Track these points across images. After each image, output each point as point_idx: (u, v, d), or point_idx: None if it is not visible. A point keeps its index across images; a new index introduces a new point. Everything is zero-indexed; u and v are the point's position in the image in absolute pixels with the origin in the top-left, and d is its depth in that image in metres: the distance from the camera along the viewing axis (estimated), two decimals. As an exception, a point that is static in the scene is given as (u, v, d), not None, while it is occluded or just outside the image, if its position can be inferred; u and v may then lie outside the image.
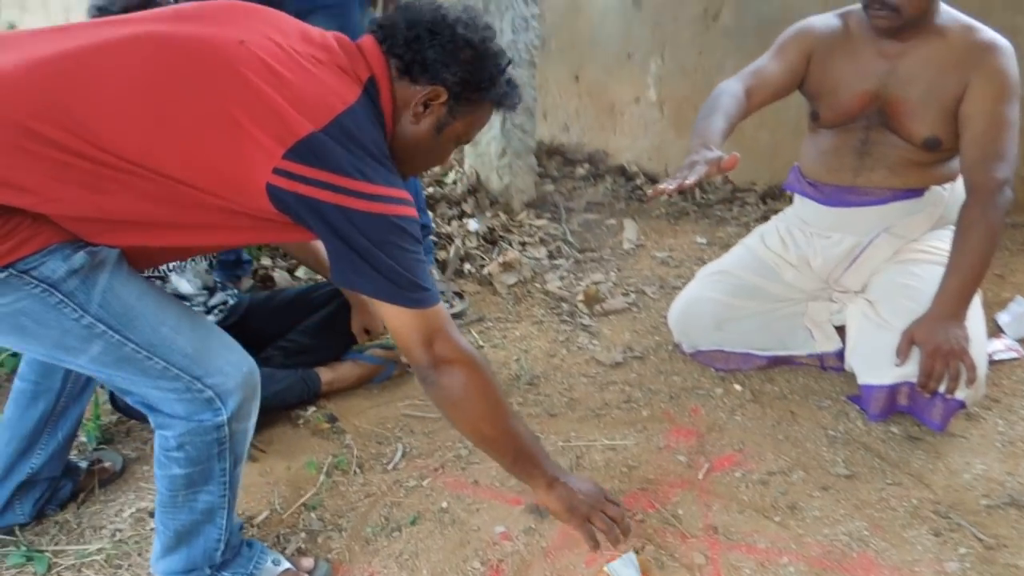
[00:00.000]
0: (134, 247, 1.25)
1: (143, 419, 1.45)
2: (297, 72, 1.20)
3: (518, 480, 1.53)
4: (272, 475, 1.88)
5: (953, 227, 1.92)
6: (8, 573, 1.60)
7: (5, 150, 1.10)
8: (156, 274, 1.96)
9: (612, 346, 2.45)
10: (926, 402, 1.88)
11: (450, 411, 1.37)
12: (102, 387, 2.04)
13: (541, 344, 2.48)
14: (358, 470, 1.89)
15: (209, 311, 2.09)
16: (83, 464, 1.83)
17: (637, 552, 1.58)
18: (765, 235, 2.32)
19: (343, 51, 1.29)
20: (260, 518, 1.74)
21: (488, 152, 3.46)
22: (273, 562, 1.52)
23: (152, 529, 1.58)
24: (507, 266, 2.90)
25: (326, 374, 2.15)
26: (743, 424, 2.03)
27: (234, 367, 1.31)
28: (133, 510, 1.77)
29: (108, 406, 2.08)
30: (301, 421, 2.08)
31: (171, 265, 2.02)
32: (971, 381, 1.81)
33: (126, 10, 1.43)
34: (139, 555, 1.63)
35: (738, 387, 2.19)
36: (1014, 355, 2.25)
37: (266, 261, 2.91)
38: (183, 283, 2.03)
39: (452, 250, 2.99)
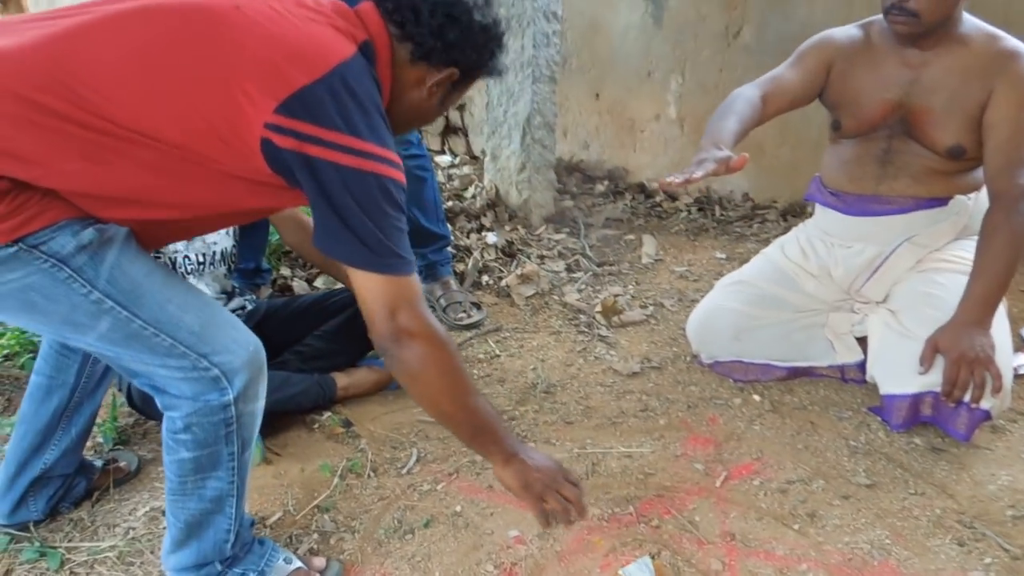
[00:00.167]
0: (137, 221, 1.26)
1: (160, 418, 1.45)
2: (292, 30, 1.21)
3: (477, 454, 1.50)
4: (286, 477, 1.87)
5: (976, 237, 1.89)
6: (22, 568, 1.60)
7: (9, 121, 1.12)
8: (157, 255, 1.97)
9: (629, 356, 2.43)
10: (951, 412, 1.85)
11: (409, 384, 1.33)
12: (119, 390, 2.06)
13: (558, 354, 2.46)
14: (372, 474, 1.88)
15: (227, 315, 2.10)
16: (98, 463, 1.83)
17: (653, 557, 1.55)
18: (785, 245, 2.30)
19: (339, 15, 1.30)
20: (273, 519, 1.73)
21: (508, 167, 3.47)
22: (285, 560, 1.51)
23: (165, 528, 1.57)
24: (525, 278, 2.89)
25: (342, 379, 2.15)
26: (762, 434, 2.00)
27: (240, 345, 1.31)
28: (147, 509, 1.76)
29: (125, 408, 2.09)
30: (316, 425, 2.07)
31: (189, 268, 2.04)
32: (997, 390, 1.78)
33: None
34: (151, 552, 1.63)
35: (757, 397, 2.16)
36: (1040, 369, 2.21)
37: (285, 271, 2.93)
38: (201, 286, 2.05)
39: (470, 262, 2.99)
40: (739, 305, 2.23)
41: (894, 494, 1.74)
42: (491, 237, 3.21)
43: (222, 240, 2.10)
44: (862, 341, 2.16)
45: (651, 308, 2.76)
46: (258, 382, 1.34)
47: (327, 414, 2.11)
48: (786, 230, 3.32)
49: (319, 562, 1.56)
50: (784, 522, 1.67)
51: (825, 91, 2.09)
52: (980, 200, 2.03)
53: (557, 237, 3.37)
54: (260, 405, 1.37)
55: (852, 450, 1.91)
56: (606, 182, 4.12)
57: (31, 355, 2.24)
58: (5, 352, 2.34)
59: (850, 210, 2.12)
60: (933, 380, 1.85)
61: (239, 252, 2.27)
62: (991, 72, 1.86)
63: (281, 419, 2.04)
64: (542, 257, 3.17)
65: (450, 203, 3.52)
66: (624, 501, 1.75)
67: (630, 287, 2.96)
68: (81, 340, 1.26)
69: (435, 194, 2.69)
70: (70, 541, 1.66)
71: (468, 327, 2.61)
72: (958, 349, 1.79)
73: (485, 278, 2.98)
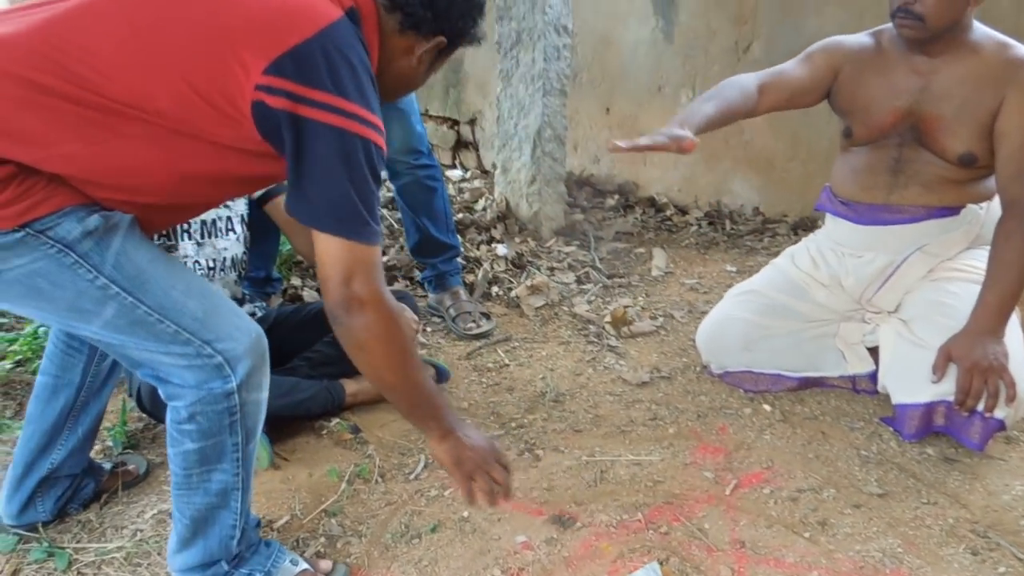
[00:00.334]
0: (134, 205, 1.27)
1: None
2: None
3: (415, 428, 1.52)
4: (294, 482, 1.87)
5: (989, 247, 1.88)
6: (30, 568, 1.60)
7: (9, 103, 1.14)
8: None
9: (639, 366, 2.42)
10: (964, 421, 1.83)
11: (354, 353, 1.32)
12: (129, 395, 2.06)
13: (567, 363, 2.46)
14: (380, 479, 1.88)
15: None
16: (107, 465, 1.83)
17: (661, 563, 1.54)
18: (795, 255, 2.29)
19: None
20: (280, 522, 1.73)
21: (518, 179, 3.48)
22: (291, 562, 1.51)
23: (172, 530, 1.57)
24: (535, 289, 2.89)
25: (351, 386, 2.15)
26: (772, 443, 1.98)
27: (243, 332, 1.32)
28: (155, 511, 1.76)
29: (135, 413, 2.09)
30: (324, 431, 2.07)
31: (199, 273, 2.05)
32: (1011, 399, 1.76)
33: None
34: (158, 554, 1.62)
35: (767, 407, 2.15)
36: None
37: (296, 281, 2.94)
38: (212, 291, 2.05)
39: (480, 273, 3.00)
40: (749, 315, 2.22)
41: (906, 503, 1.72)
42: (501, 249, 3.22)
43: (232, 246, 2.11)
44: (874, 351, 2.15)
45: (661, 319, 2.76)
46: (261, 370, 1.35)
47: (336, 420, 2.11)
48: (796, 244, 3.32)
49: (325, 565, 1.55)
50: (795, 530, 1.65)
51: (834, 97, 2.09)
52: (992, 209, 2.02)
53: (567, 250, 3.37)
54: (263, 396, 1.37)
55: (864, 460, 1.90)
56: (616, 196, 4.13)
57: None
58: (17, 358, 2.35)
59: (861, 219, 2.11)
60: (946, 389, 1.83)
61: (250, 260, 2.28)
62: (1003, 80, 1.85)
63: (290, 425, 2.05)
64: (552, 269, 3.17)
65: (460, 215, 3.53)
66: (632, 508, 1.73)
67: (640, 299, 2.95)
68: (86, 328, 1.26)
69: (445, 204, 2.70)
70: (78, 542, 1.67)
71: (477, 336, 2.61)
72: (971, 358, 1.77)
73: (495, 289, 2.98)
